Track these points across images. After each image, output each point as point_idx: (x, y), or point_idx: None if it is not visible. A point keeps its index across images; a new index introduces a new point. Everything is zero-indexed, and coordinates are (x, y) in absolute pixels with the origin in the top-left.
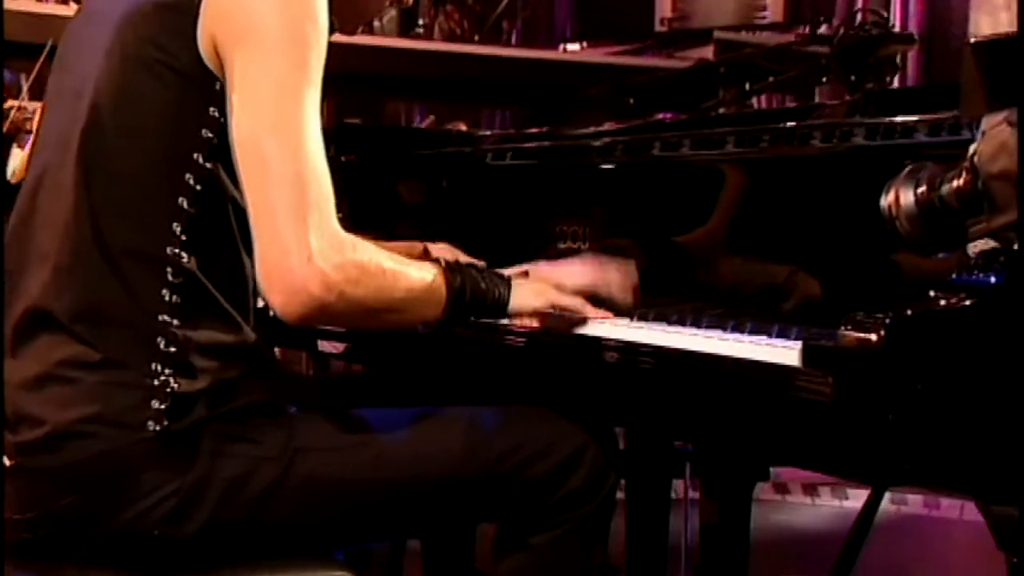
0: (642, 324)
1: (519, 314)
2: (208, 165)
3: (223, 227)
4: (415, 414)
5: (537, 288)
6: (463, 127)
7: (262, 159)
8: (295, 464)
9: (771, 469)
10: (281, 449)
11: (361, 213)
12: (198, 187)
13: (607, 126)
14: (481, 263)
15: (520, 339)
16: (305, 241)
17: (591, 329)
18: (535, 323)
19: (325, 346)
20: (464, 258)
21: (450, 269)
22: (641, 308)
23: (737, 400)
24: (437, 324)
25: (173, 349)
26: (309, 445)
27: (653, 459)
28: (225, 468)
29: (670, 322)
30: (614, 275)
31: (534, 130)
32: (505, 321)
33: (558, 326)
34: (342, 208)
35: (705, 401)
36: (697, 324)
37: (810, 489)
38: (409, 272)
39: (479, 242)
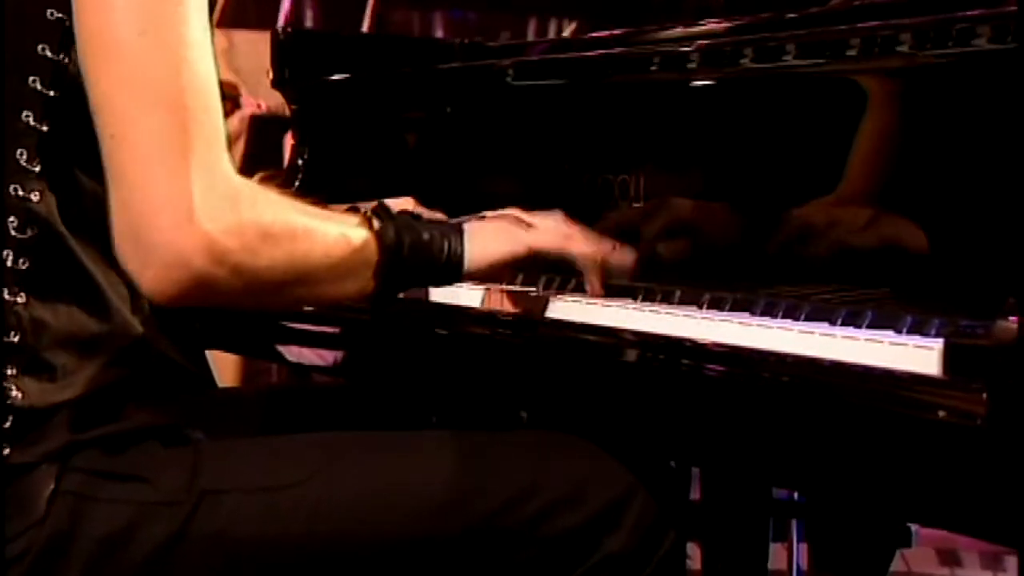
0: (707, 314)
1: (483, 272)
2: (63, 60)
3: (92, 154)
4: (382, 441)
5: (502, 227)
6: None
7: (121, 64)
8: (201, 513)
9: (912, 529)
10: (181, 492)
11: (318, 163)
12: (50, 93)
13: (680, 30)
14: (439, 215)
15: (502, 331)
16: (184, 191)
17: (628, 319)
18: (507, 300)
19: (297, 354)
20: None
21: (379, 218)
22: (687, 289)
23: (853, 428)
24: (369, 296)
25: (16, 338)
26: (223, 486)
27: (739, 513)
28: (97, 520)
29: (752, 312)
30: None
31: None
32: (469, 297)
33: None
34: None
35: (811, 429)
36: (795, 316)
37: (949, 558)
38: (326, 229)
39: (489, 197)
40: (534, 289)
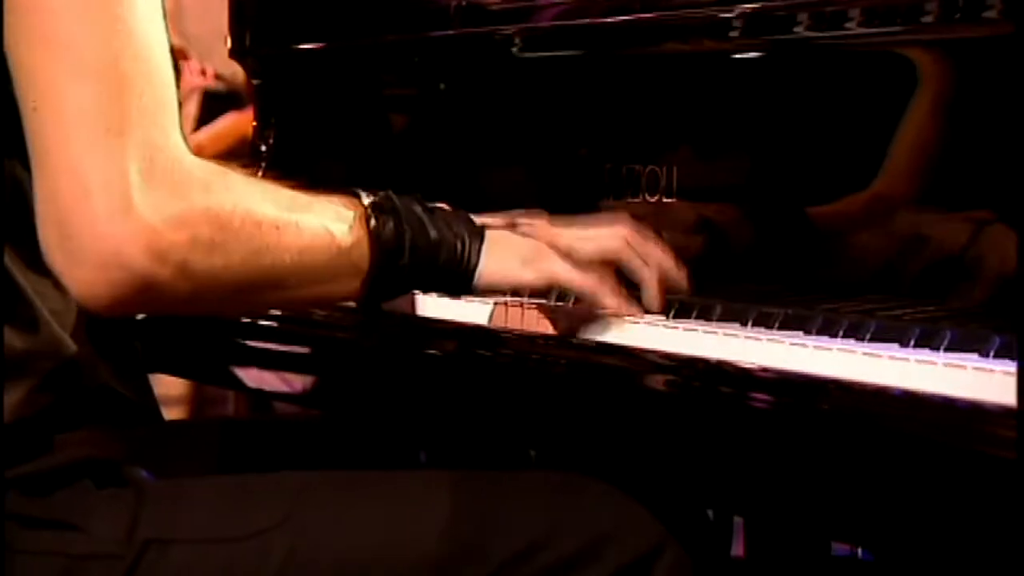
0: (753, 332)
1: (495, 289)
2: None
3: (13, 134)
4: (362, 482)
5: (529, 248)
6: None
7: (43, 24)
8: (144, 568)
9: None
10: (120, 542)
11: (284, 150)
12: None
13: None
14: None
15: (503, 352)
16: (120, 173)
17: (659, 338)
18: (531, 320)
19: (257, 379)
20: None
21: (376, 208)
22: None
23: (931, 471)
24: (355, 302)
25: None
26: (170, 535)
27: (791, 573)
28: (19, 574)
29: (807, 330)
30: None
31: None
32: (480, 314)
33: (569, 326)
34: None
35: (879, 471)
36: (859, 336)
37: None
38: (304, 223)
39: (491, 193)
40: (546, 301)
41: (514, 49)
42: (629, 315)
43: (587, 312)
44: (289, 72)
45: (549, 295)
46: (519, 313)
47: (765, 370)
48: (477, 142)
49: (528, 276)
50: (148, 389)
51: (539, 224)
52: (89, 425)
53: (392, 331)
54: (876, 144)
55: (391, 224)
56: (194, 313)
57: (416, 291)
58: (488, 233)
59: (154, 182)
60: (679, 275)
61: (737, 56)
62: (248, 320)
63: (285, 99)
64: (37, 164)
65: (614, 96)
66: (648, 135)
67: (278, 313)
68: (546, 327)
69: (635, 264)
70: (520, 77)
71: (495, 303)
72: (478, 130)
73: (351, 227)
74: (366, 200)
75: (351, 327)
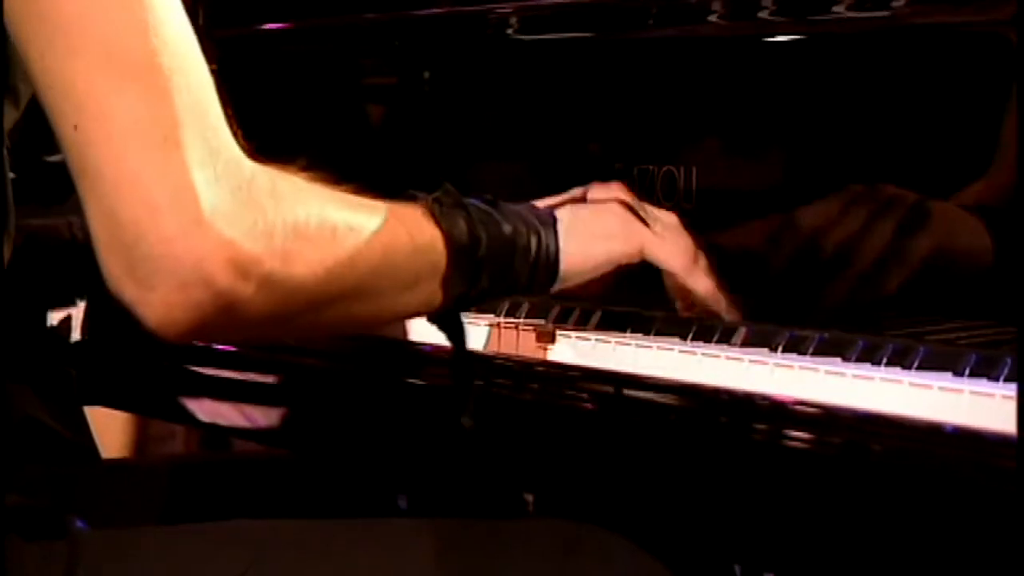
0: (784, 359)
1: (581, 279)
2: None
3: None
4: (335, 532)
5: (609, 218)
6: None
7: (69, 31)
8: None
9: None
10: None
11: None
12: None
13: None
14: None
15: (498, 381)
16: (185, 183)
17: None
18: (528, 345)
19: (212, 413)
20: None
21: (441, 203)
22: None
23: (997, 520)
24: (435, 313)
25: None
26: None
27: None
28: None
29: (846, 357)
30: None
31: None
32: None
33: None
34: None
35: (935, 522)
36: (906, 364)
37: None
38: (375, 223)
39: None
40: (544, 322)
41: (510, 31)
42: (719, 309)
43: (593, 336)
44: (250, 57)
45: (547, 316)
46: (514, 336)
47: (803, 403)
48: (467, 139)
49: (617, 248)
50: (84, 424)
51: (600, 190)
52: (15, 467)
53: (370, 357)
54: (934, 145)
55: (462, 219)
56: (278, 335)
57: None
58: (560, 214)
59: (222, 191)
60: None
61: (769, 39)
62: (202, 343)
63: (246, 89)
64: (88, 188)
65: (625, 86)
66: (664, 131)
67: None
68: (545, 353)
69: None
70: (517, 63)
71: (490, 325)
72: (468, 125)
73: (421, 224)
74: (424, 199)
75: (322, 352)
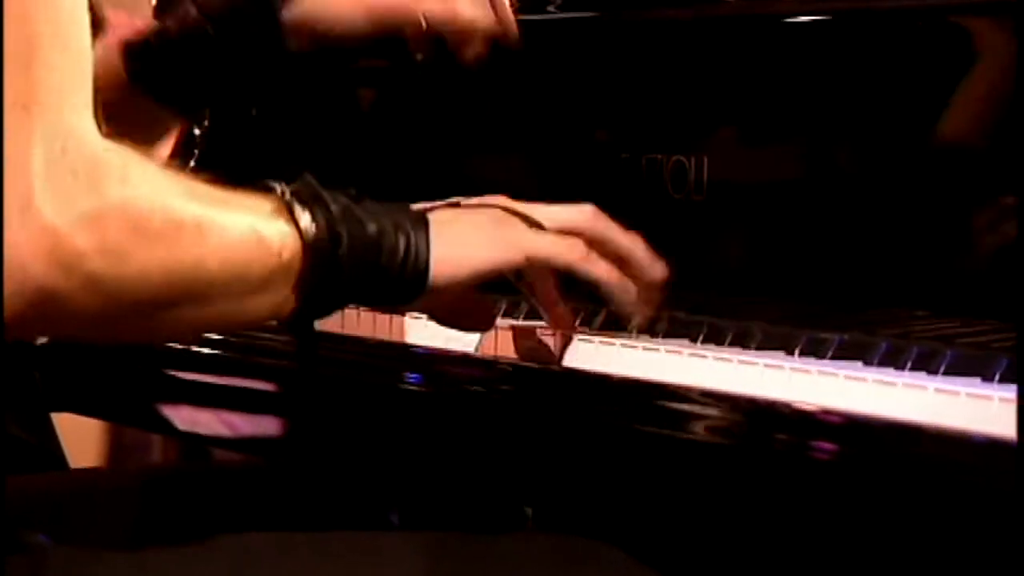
0: (802, 363)
1: (453, 286)
2: None
3: None
4: (323, 547)
5: (486, 221)
6: None
7: None
8: None
9: None
10: None
11: (225, 134)
12: None
13: None
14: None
15: (498, 386)
16: (22, 160)
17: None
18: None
19: (190, 421)
20: None
21: (298, 198)
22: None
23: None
24: (286, 319)
25: None
26: None
27: None
28: None
29: (868, 361)
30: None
31: None
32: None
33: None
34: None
35: (968, 542)
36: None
37: None
38: (229, 221)
39: (481, 186)
40: (544, 324)
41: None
42: (628, 295)
43: (596, 338)
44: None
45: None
46: (511, 337)
47: (830, 412)
48: (462, 127)
49: (494, 255)
50: (49, 430)
51: (490, 200)
52: None
53: (359, 360)
54: (971, 131)
55: (320, 215)
56: (104, 337)
57: (355, 305)
58: (432, 216)
59: (60, 172)
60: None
61: (791, 19)
62: (180, 346)
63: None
64: None
65: (632, 68)
66: (674, 117)
67: (218, 337)
68: (547, 355)
69: (615, 242)
70: (524, 46)
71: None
72: (464, 112)
73: (274, 222)
74: (282, 190)
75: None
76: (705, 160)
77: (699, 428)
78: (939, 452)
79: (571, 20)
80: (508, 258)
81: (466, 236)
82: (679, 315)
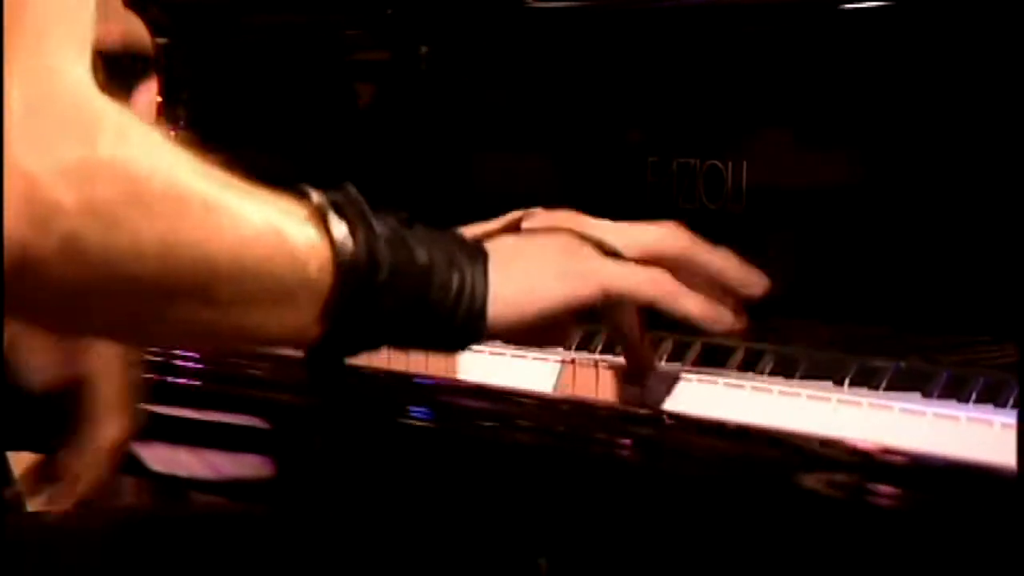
0: (852, 395)
1: (517, 330)
2: None
3: None
4: None
5: (556, 250)
6: None
7: None
8: None
9: None
10: None
11: (204, 134)
12: None
13: None
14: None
15: (519, 423)
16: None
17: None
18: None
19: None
20: None
21: (336, 208)
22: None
23: None
24: (311, 345)
25: None
26: None
27: None
28: None
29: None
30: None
31: None
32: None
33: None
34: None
35: None
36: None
37: None
38: (242, 208)
39: (493, 194)
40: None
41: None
42: (723, 324)
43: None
44: (209, 27)
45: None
46: (592, 376)
47: (890, 452)
48: (472, 128)
49: (567, 291)
50: (6, 469)
51: (544, 217)
52: None
53: (368, 395)
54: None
55: (360, 231)
56: (86, 325)
57: (396, 347)
58: (491, 247)
59: (44, 115)
60: (755, 292)
61: (843, 6)
62: (155, 376)
63: (203, 65)
64: None
65: (663, 64)
66: (709, 118)
67: (201, 365)
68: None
69: (706, 265)
70: (531, 36)
71: (562, 360)
72: (474, 111)
73: (303, 226)
74: (317, 197)
75: (310, 387)
76: (744, 165)
77: (732, 469)
78: (1003, 497)
79: (595, 8)
80: (582, 295)
81: (531, 271)
82: (715, 342)
